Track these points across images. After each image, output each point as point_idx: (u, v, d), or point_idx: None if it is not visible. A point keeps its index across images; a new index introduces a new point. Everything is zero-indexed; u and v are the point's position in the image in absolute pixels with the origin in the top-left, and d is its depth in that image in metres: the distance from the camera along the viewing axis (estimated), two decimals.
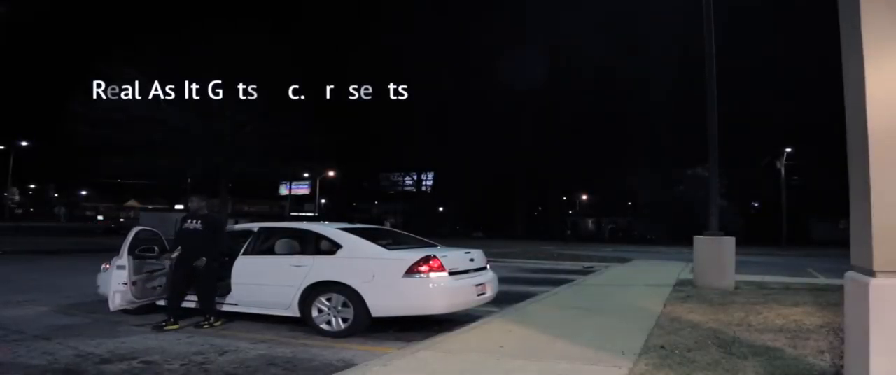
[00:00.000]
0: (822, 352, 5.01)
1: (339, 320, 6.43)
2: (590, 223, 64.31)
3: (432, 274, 6.35)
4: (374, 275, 6.37)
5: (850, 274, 3.68)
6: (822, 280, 12.85)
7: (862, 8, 3.40)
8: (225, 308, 7.22)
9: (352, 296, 6.36)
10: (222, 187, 30.75)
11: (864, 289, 3.34)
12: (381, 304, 6.34)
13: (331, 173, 54.26)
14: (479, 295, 6.91)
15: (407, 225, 45.80)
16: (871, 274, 3.34)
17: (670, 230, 42.16)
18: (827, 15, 4.54)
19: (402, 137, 48.65)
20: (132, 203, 72.91)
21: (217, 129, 27.29)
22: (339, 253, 6.75)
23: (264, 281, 6.91)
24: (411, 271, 6.31)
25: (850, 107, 3.68)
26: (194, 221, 7.10)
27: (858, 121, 3.48)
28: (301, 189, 63.94)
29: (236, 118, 27.67)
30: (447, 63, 48.23)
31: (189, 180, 35.00)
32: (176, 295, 7.00)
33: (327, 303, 6.50)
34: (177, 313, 6.86)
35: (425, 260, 6.40)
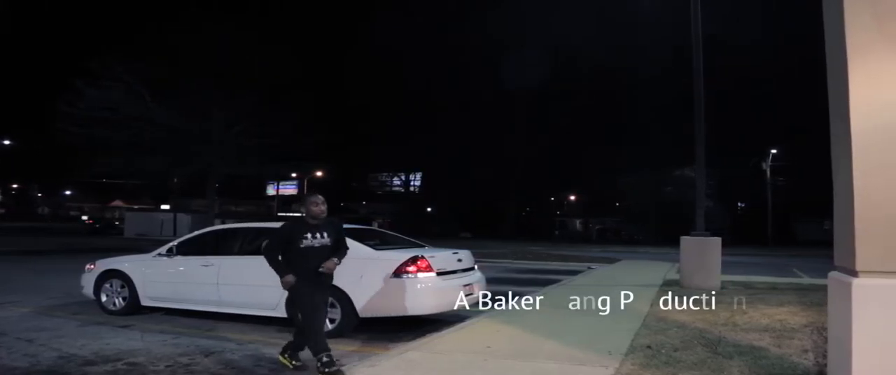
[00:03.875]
0: (806, 351, 5.07)
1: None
2: (578, 223, 64.47)
3: (420, 275, 6.35)
4: (362, 276, 6.35)
5: (833, 274, 3.72)
6: (806, 279, 12.99)
7: (845, 11, 3.44)
8: (211, 308, 7.17)
9: (339, 297, 6.32)
10: (210, 187, 30.52)
11: (847, 289, 3.38)
12: (368, 305, 6.32)
13: (318, 173, 53.98)
14: (467, 295, 6.91)
15: (395, 225, 45.67)
16: (854, 274, 3.38)
17: (658, 230, 42.43)
18: (812, 17, 4.59)
19: (391, 137, 48.65)
20: (117, 203, 72.03)
21: (205, 129, 27.05)
22: None
23: (250, 282, 6.83)
24: (399, 271, 6.31)
25: (833, 108, 3.71)
26: (322, 234, 4.89)
27: (842, 122, 3.51)
28: (288, 189, 63.58)
29: (225, 118, 27.45)
30: (435, 63, 48.32)
31: (176, 180, 34.66)
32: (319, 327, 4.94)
33: None
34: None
35: (413, 260, 6.40)
